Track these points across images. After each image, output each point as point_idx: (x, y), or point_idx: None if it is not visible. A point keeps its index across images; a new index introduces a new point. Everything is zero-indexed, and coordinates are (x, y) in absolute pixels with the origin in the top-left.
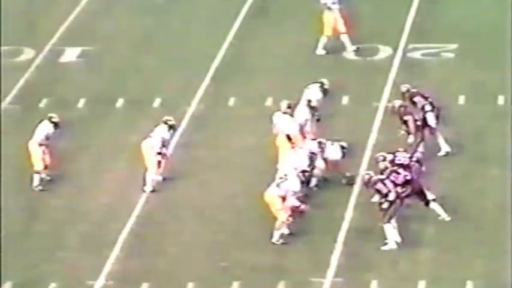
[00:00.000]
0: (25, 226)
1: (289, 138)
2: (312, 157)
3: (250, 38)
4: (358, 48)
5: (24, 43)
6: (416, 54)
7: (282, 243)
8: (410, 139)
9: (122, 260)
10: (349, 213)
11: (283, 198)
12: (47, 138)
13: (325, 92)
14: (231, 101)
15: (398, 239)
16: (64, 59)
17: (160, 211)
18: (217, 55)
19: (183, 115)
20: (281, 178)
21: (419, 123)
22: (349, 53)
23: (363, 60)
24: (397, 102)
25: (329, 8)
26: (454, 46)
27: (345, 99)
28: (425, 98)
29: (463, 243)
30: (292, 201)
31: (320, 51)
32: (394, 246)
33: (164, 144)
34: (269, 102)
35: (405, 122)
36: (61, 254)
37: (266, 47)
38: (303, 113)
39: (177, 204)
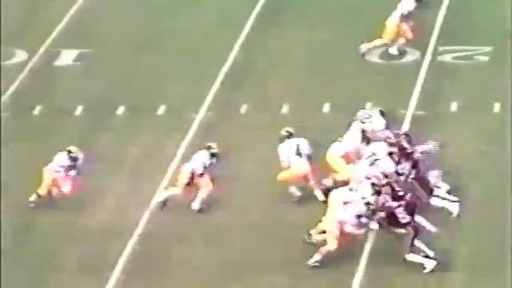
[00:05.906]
0: (17, 245)
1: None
2: (368, 207)
3: (264, 39)
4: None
5: (16, 45)
6: (447, 58)
7: (314, 267)
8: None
9: (123, 283)
10: (372, 232)
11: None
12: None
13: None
14: (243, 108)
15: (431, 254)
16: (59, 62)
17: (165, 229)
18: (227, 57)
19: (190, 124)
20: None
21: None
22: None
23: (388, 64)
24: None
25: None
26: (488, 48)
27: (368, 107)
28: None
29: (501, 265)
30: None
31: (365, 49)
32: (434, 263)
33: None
34: (285, 109)
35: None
36: (56, 276)
37: (281, 48)
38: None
39: (184, 221)
